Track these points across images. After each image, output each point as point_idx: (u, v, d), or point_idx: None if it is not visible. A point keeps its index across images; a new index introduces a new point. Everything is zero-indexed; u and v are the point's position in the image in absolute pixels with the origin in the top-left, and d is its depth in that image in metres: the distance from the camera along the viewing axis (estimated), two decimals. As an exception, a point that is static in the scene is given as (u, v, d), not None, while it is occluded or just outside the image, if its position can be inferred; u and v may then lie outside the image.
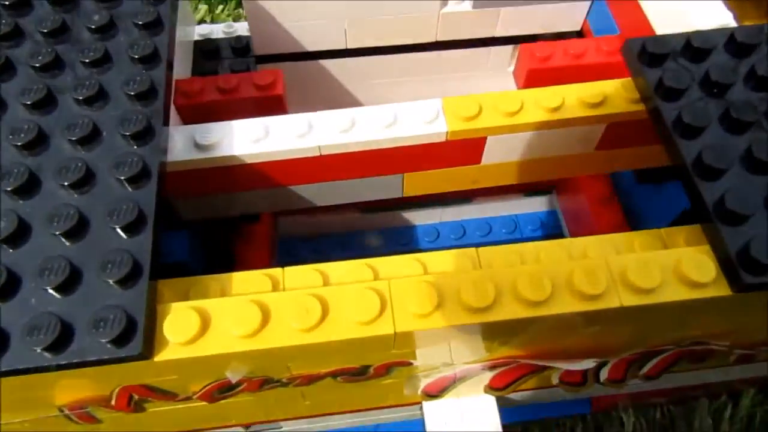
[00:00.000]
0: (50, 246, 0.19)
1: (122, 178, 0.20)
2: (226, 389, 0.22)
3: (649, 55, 0.24)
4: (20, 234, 0.19)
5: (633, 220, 0.36)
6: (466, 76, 0.40)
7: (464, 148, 0.27)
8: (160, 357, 0.18)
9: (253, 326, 0.18)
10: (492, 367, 0.24)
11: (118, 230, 0.19)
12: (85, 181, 0.20)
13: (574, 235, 0.40)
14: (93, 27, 0.24)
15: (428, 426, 0.27)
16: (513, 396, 0.30)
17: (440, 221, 0.43)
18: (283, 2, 0.33)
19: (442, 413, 0.28)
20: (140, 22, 0.24)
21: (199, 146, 0.25)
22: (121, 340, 0.17)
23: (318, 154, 0.26)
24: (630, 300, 0.19)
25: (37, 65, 0.23)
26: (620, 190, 0.37)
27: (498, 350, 0.23)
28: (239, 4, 0.61)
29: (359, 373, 0.23)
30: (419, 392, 0.27)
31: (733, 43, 0.24)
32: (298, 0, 0.33)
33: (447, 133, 0.26)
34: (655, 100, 0.23)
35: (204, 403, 0.23)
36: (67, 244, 0.19)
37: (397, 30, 0.36)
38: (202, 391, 0.22)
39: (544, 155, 0.28)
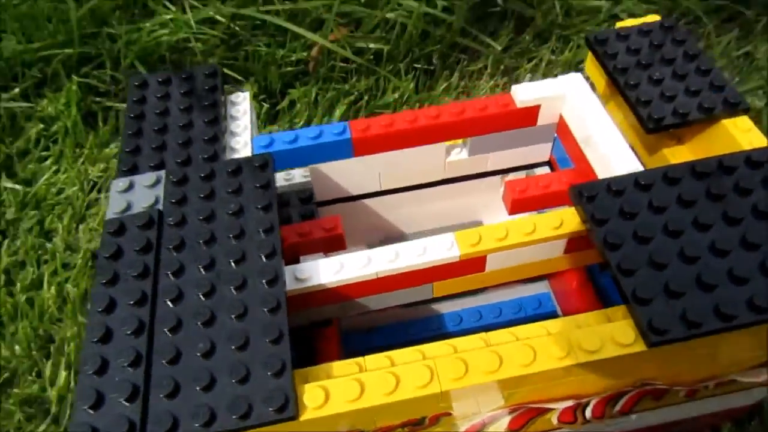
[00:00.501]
0: (231, 356, 0.32)
1: (265, 309, 0.33)
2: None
3: (585, 196, 0.37)
4: (211, 351, 0.32)
5: (603, 294, 0.48)
6: (467, 199, 0.54)
7: (472, 263, 0.40)
8: (303, 417, 0.30)
9: (355, 395, 0.31)
10: (508, 413, 0.36)
11: (269, 342, 0.32)
12: (245, 314, 0.33)
13: (564, 310, 0.52)
14: (229, 212, 0.38)
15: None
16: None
17: (462, 308, 0.55)
18: (337, 165, 0.47)
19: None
20: (259, 206, 0.38)
21: (298, 280, 0.38)
22: (282, 409, 0.30)
23: (375, 277, 0.39)
24: (583, 358, 0.32)
25: (201, 241, 0.37)
26: (593, 273, 0.50)
27: (508, 400, 0.34)
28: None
29: (419, 423, 0.35)
30: (460, 437, 0.38)
31: (638, 184, 0.37)
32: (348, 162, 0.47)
33: (459, 255, 0.39)
34: (589, 224, 0.36)
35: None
36: (239, 354, 0.32)
37: (416, 174, 0.50)
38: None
39: (527, 261, 0.41)
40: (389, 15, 0.79)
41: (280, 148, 0.45)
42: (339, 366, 0.34)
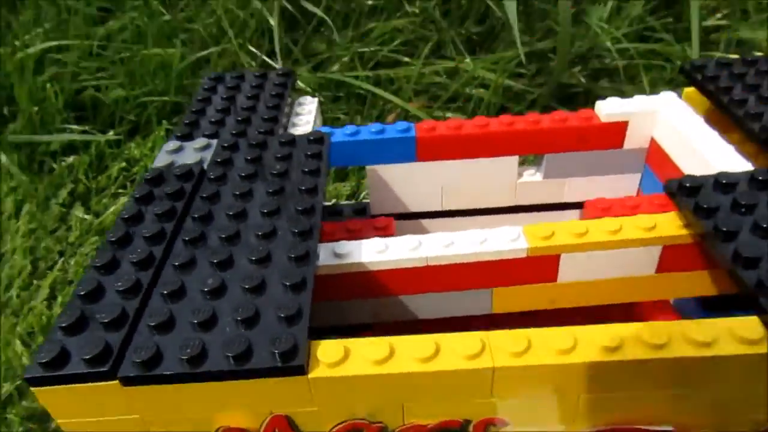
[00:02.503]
0: (241, 297, 0.27)
1: (292, 256, 0.28)
2: (348, 437, 0.27)
3: (686, 187, 0.31)
4: (220, 290, 0.27)
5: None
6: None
7: (541, 265, 0.33)
8: (313, 374, 0.24)
9: (383, 355, 0.24)
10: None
11: (288, 289, 0.27)
12: (266, 260, 0.28)
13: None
14: (273, 172, 0.35)
15: None
16: None
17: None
18: (398, 170, 0.44)
19: None
20: (306, 170, 0.35)
21: (337, 255, 0.33)
22: (288, 356, 0.23)
23: (425, 264, 0.33)
24: (691, 351, 0.24)
25: (237, 193, 0.33)
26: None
27: (586, 414, 0.26)
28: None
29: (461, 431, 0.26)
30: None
31: (754, 180, 0.31)
32: (410, 167, 0.43)
33: (527, 249, 0.33)
34: (694, 217, 0.29)
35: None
36: (252, 296, 0.26)
37: (483, 194, 0.45)
38: (330, 434, 0.26)
39: (610, 277, 0.34)
40: (467, 89, 0.79)
41: (340, 139, 0.42)
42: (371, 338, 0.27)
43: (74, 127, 0.88)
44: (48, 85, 0.88)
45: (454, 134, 0.42)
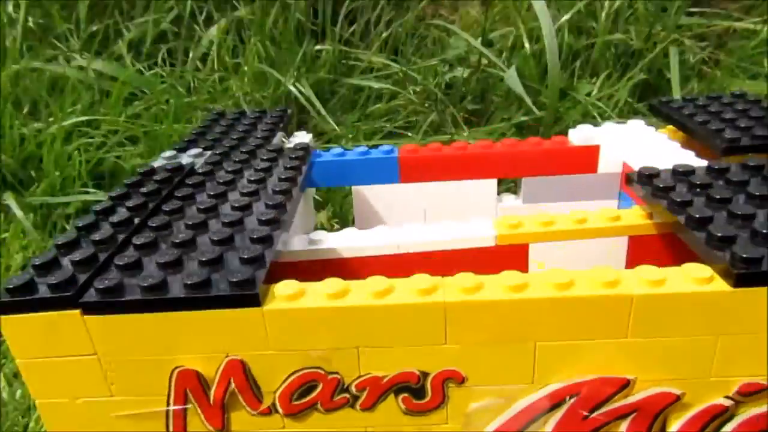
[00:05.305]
0: (207, 246, 0.28)
1: (260, 220, 0.30)
2: (303, 393, 0.26)
3: (644, 175, 0.33)
4: (189, 242, 0.28)
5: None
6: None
7: (511, 255, 0.34)
8: (269, 306, 0.24)
9: (337, 289, 0.25)
10: (545, 406, 0.26)
11: (252, 240, 0.28)
12: (239, 222, 0.30)
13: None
14: (257, 168, 0.37)
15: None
16: None
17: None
18: (382, 190, 0.46)
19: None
20: (282, 177, 0.37)
21: (311, 241, 0.34)
22: (244, 285, 0.24)
23: (397, 251, 0.34)
24: (644, 288, 0.24)
25: (221, 182, 0.35)
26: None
27: (545, 368, 0.25)
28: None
29: (418, 392, 0.26)
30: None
31: (711, 170, 0.32)
32: (393, 188, 0.45)
33: (496, 236, 0.33)
34: (654, 195, 0.31)
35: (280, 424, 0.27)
36: (218, 246, 0.28)
37: (464, 216, 0.47)
38: (284, 385, 0.26)
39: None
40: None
41: (327, 159, 0.45)
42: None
43: (91, 190, 0.92)
44: (75, 153, 0.94)
45: (434, 156, 0.44)
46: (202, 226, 0.30)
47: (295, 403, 0.26)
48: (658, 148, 0.41)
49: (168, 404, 0.26)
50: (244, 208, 0.32)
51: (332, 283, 0.25)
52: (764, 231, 0.25)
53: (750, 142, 0.38)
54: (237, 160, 0.39)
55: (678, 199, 0.29)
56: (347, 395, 0.26)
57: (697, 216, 0.27)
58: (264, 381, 0.26)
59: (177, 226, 0.30)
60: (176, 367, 0.26)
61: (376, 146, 0.47)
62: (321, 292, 0.25)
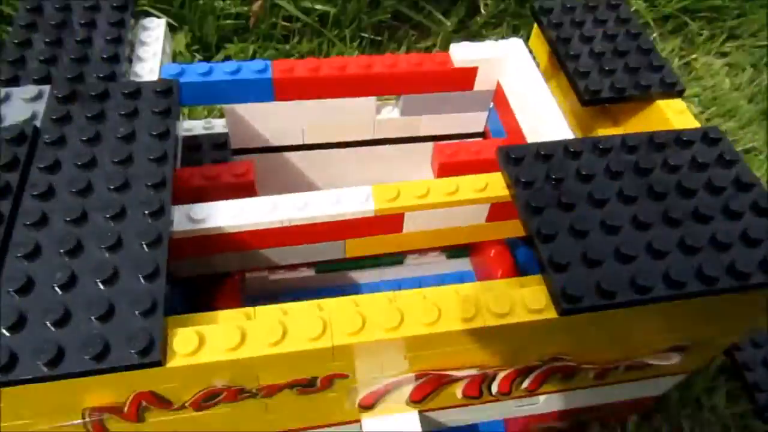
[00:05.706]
0: (94, 290, 0.27)
1: (143, 243, 0.29)
2: (210, 398, 0.30)
3: (512, 158, 0.35)
4: (71, 283, 0.27)
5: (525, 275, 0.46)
6: (397, 164, 0.51)
7: (389, 221, 0.37)
8: (171, 364, 0.26)
9: (235, 342, 0.27)
10: (411, 381, 0.33)
11: (141, 279, 0.28)
12: (117, 246, 0.29)
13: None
14: (119, 136, 0.33)
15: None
16: (436, 417, 0.39)
17: (380, 280, 0.52)
18: (256, 109, 0.43)
19: (377, 427, 0.36)
20: (154, 132, 0.34)
21: (193, 220, 0.34)
22: (145, 352, 0.26)
23: (281, 225, 0.35)
24: (491, 321, 0.29)
25: (79, 163, 0.32)
26: (515, 246, 0.48)
27: (412, 365, 0.32)
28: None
29: (309, 385, 0.31)
30: (356, 406, 0.35)
31: (567, 151, 0.35)
32: (268, 106, 0.43)
33: (374, 210, 0.36)
34: (514, 187, 0.34)
35: (192, 413, 0.31)
36: (104, 289, 0.27)
37: (344, 130, 0.47)
38: (192, 399, 0.30)
39: (448, 227, 0.39)
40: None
41: (192, 80, 0.40)
42: (225, 315, 0.30)
43: None
44: None
45: (311, 76, 0.42)
46: (77, 251, 0.29)
47: (204, 404, 0.31)
48: (527, 86, 0.42)
49: (83, 417, 0.29)
50: (118, 217, 0.30)
51: (229, 334, 0.27)
52: (593, 258, 0.30)
53: (609, 94, 0.40)
54: (89, 115, 0.34)
55: (533, 204, 0.33)
56: (248, 395, 0.31)
57: (544, 233, 0.31)
58: (173, 398, 0.29)
59: (48, 251, 0.28)
60: (86, 408, 0.28)
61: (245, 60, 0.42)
62: (219, 346, 0.27)
